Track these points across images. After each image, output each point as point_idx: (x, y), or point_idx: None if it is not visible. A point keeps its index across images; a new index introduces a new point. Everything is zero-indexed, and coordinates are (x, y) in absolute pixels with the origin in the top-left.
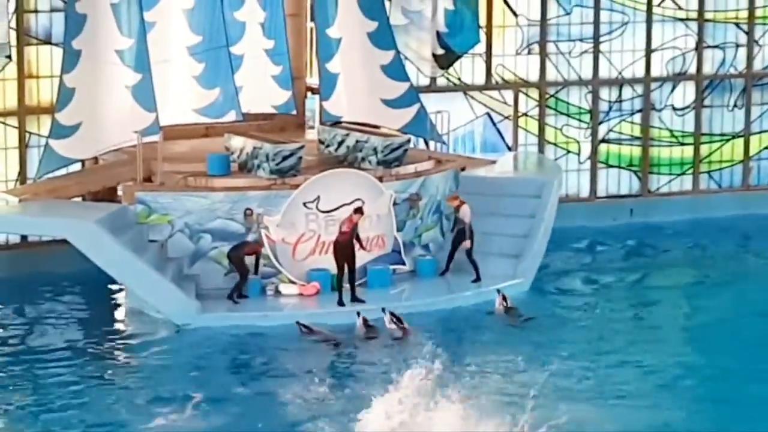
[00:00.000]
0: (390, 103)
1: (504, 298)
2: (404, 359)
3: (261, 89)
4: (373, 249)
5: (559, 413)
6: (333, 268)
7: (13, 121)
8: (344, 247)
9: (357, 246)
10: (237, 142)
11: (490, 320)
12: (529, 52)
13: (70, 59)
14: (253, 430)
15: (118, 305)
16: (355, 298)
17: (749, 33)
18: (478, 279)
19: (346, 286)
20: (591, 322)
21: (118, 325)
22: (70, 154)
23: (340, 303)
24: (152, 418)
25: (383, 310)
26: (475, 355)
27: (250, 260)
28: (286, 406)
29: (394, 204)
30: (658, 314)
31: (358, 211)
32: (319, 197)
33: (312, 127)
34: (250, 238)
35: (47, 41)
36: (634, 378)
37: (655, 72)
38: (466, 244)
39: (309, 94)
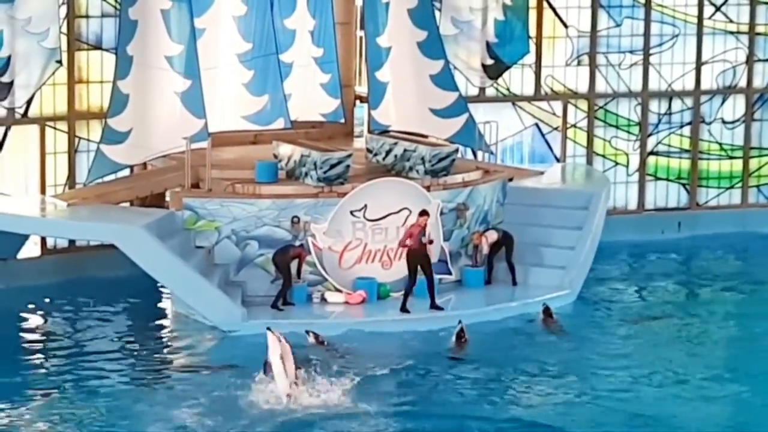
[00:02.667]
0: (438, 113)
1: (547, 311)
2: None
3: (310, 97)
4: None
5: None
6: (380, 277)
7: (63, 126)
8: (417, 254)
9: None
10: (285, 150)
11: (532, 330)
12: (579, 64)
13: (124, 65)
14: None
15: (165, 310)
16: (434, 306)
17: None
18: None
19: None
20: (635, 334)
21: (164, 331)
22: (121, 160)
23: (404, 309)
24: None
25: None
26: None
27: (293, 266)
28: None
29: (441, 213)
30: (703, 327)
31: (424, 213)
32: (366, 206)
33: (360, 136)
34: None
35: (98, 46)
36: (671, 392)
37: (705, 85)
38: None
39: (357, 102)
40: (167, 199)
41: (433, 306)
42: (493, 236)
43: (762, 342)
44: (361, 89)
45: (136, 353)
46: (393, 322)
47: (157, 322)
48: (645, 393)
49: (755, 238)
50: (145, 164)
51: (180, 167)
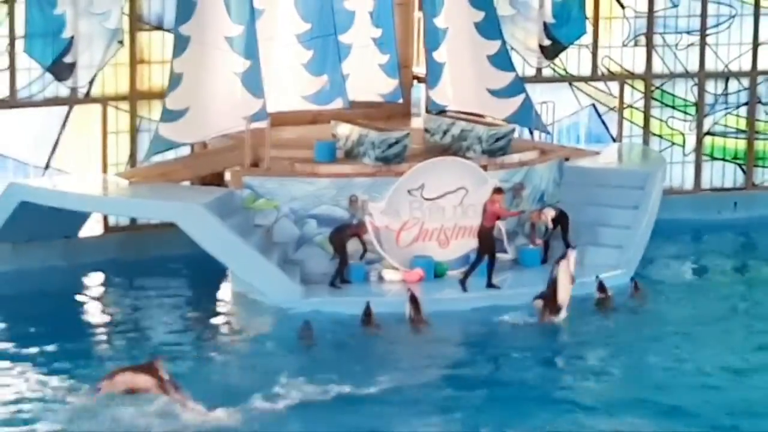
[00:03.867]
0: (496, 93)
1: (601, 286)
2: None
3: (368, 77)
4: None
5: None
6: (436, 255)
7: (125, 105)
8: (488, 233)
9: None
10: (343, 130)
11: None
12: (636, 44)
13: (180, 44)
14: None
15: (224, 289)
16: (490, 285)
17: None
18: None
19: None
20: (691, 314)
21: (223, 308)
22: (177, 138)
23: (490, 285)
24: (252, 400)
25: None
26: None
27: (353, 246)
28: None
29: None
30: (759, 309)
31: (499, 191)
32: (423, 185)
33: (418, 116)
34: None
35: (159, 27)
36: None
37: (762, 65)
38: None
39: (415, 82)
40: (227, 178)
41: (490, 284)
42: (550, 213)
43: None
44: (419, 69)
45: (195, 330)
46: (450, 300)
47: (217, 301)
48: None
49: None
50: (205, 143)
51: (239, 146)
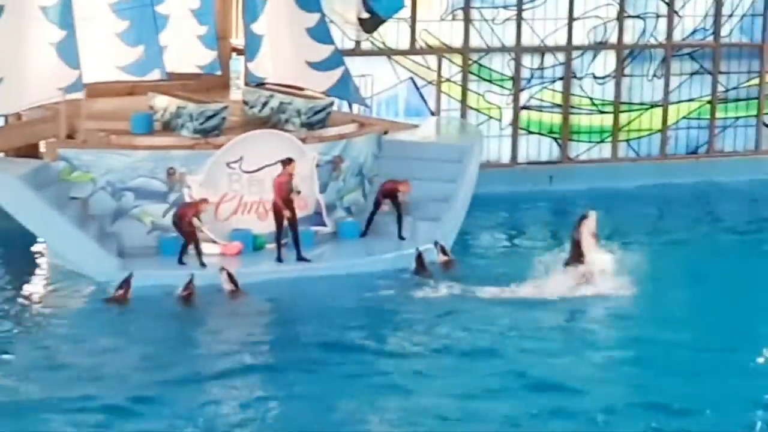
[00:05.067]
0: (314, 66)
1: (443, 250)
2: None
3: (186, 49)
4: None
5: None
6: (255, 228)
7: None
8: (284, 204)
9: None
10: (161, 102)
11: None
12: (453, 18)
13: None
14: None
15: (40, 262)
16: (301, 258)
17: (670, 4)
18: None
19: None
20: (508, 282)
21: (38, 281)
22: None
23: (300, 258)
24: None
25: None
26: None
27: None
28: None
29: (317, 166)
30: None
31: (289, 161)
32: (242, 158)
33: (236, 89)
34: (173, 197)
35: None
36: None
37: (576, 40)
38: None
39: (234, 55)
40: (42, 150)
41: (300, 257)
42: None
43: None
44: (238, 42)
45: (11, 300)
46: (268, 272)
47: (33, 274)
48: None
49: (624, 192)
50: (19, 115)
51: (55, 118)
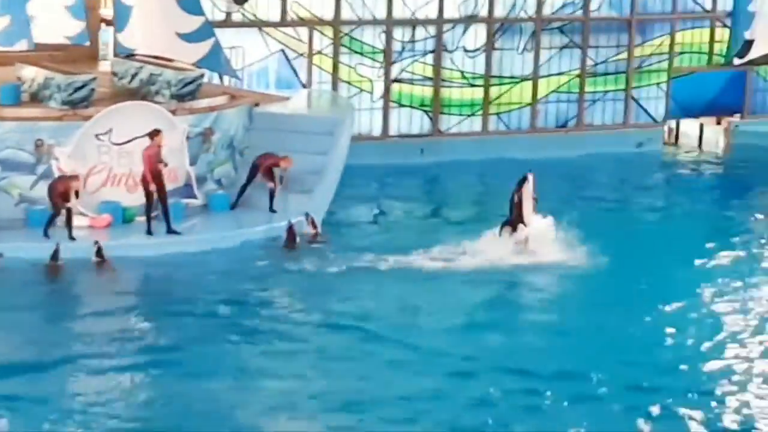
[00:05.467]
0: (185, 37)
1: (313, 222)
2: None
3: (54, 19)
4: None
5: None
6: (125, 201)
7: None
8: (152, 177)
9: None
10: (28, 72)
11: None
12: None
13: None
14: None
15: None
16: (171, 230)
17: None
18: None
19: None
20: (378, 254)
21: None
22: None
23: (170, 231)
24: None
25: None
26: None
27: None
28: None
29: (187, 138)
30: (443, 249)
31: (156, 133)
32: (111, 129)
33: (106, 60)
34: (41, 169)
35: None
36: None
37: (447, 14)
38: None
39: (103, 25)
40: None
41: (170, 230)
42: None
43: None
44: (107, 12)
45: None
46: (137, 245)
47: None
48: None
49: (494, 164)
50: None
51: None
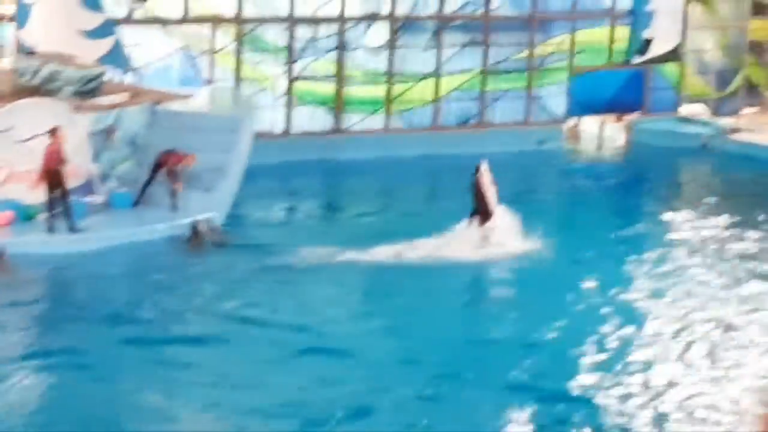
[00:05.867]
0: (87, 34)
1: (214, 221)
2: None
3: None
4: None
5: None
6: (26, 198)
7: None
8: (52, 174)
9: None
10: None
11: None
12: None
13: None
14: None
15: None
16: (73, 228)
17: None
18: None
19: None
20: (284, 252)
21: None
22: None
23: (72, 229)
24: None
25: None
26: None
27: None
28: None
29: (89, 135)
30: (352, 237)
31: (55, 131)
32: (12, 126)
33: (7, 56)
34: None
35: None
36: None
37: (349, 12)
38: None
39: (3, 22)
40: None
41: (72, 228)
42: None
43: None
44: (8, 8)
45: None
46: (38, 243)
47: None
48: None
49: (396, 162)
50: None
51: None
